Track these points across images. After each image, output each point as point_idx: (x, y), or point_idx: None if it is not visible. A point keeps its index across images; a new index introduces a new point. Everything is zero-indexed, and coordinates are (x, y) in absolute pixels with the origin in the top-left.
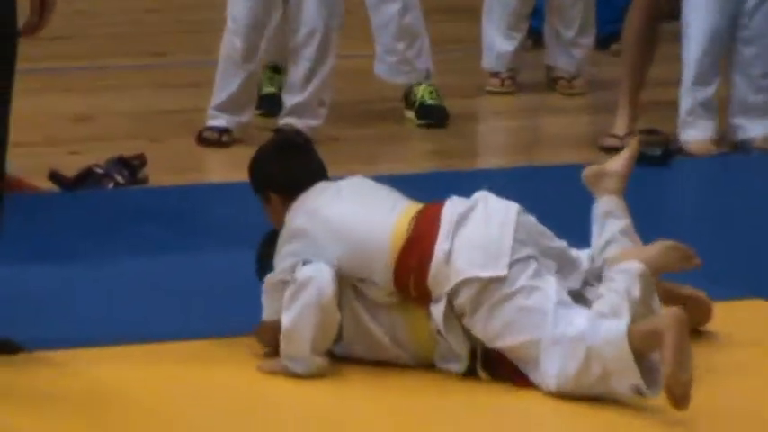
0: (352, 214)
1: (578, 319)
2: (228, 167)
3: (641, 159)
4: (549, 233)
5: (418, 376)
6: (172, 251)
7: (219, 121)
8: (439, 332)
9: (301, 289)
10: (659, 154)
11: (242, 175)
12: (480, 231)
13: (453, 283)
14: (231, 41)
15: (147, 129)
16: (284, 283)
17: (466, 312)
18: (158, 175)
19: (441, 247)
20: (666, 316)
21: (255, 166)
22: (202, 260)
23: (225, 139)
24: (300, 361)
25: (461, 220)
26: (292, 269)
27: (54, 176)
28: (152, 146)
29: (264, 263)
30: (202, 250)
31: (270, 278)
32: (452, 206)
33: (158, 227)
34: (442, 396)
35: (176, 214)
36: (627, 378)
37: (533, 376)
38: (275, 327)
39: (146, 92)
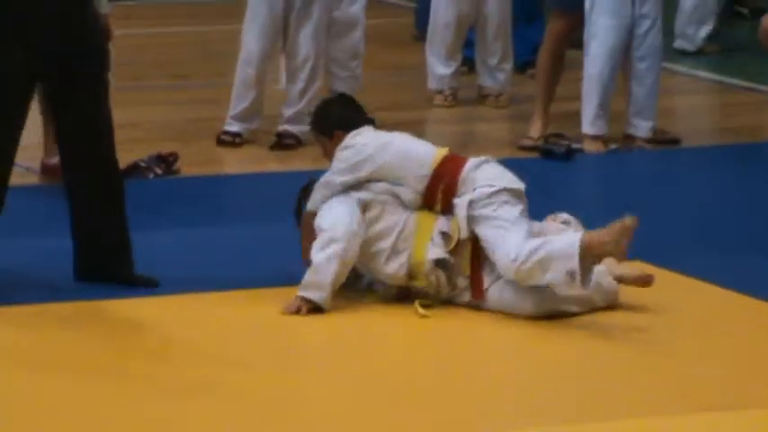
0: (403, 138)
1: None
2: (241, 162)
3: (550, 155)
4: None
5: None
6: (200, 225)
7: (234, 127)
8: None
9: (332, 243)
10: (564, 151)
11: (251, 168)
12: (499, 168)
13: (480, 184)
14: (244, 69)
15: (178, 133)
16: (330, 186)
17: (478, 206)
18: (187, 168)
19: (469, 165)
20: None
21: (324, 111)
22: (225, 232)
23: (237, 141)
24: (318, 291)
25: (480, 162)
26: (339, 186)
27: None
28: (182, 146)
29: (302, 204)
30: (224, 225)
31: (323, 177)
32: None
33: (189, 207)
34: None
35: (202, 197)
36: (565, 263)
37: (495, 257)
38: (311, 216)
39: (176, 106)
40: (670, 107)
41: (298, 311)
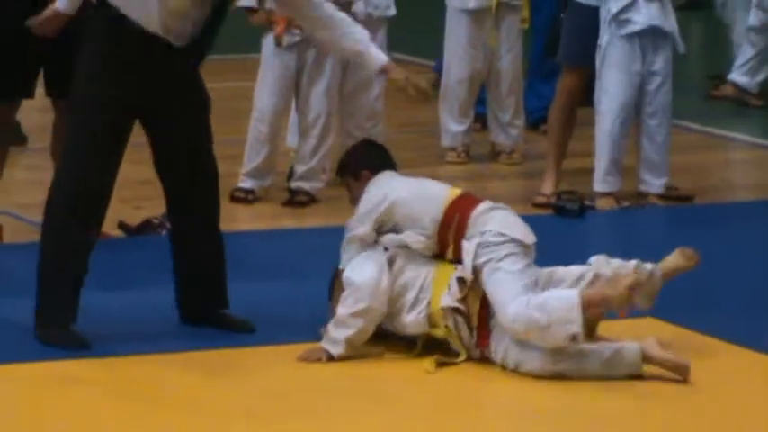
0: (419, 182)
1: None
2: (253, 219)
3: (562, 212)
4: None
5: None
6: None
7: (247, 184)
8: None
9: (358, 301)
10: (577, 208)
11: (263, 225)
12: (513, 217)
13: (490, 228)
14: (257, 127)
15: None
16: (354, 241)
17: (484, 252)
18: None
19: (481, 207)
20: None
21: (354, 154)
22: (238, 287)
23: (251, 198)
24: (338, 345)
25: (494, 207)
26: (362, 237)
27: (122, 226)
28: None
29: (332, 289)
30: (238, 281)
31: (347, 236)
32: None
33: None
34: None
35: None
36: (566, 327)
37: (496, 312)
38: (341, 273)
39: None
40: (684, 163)
41: (317, 361)
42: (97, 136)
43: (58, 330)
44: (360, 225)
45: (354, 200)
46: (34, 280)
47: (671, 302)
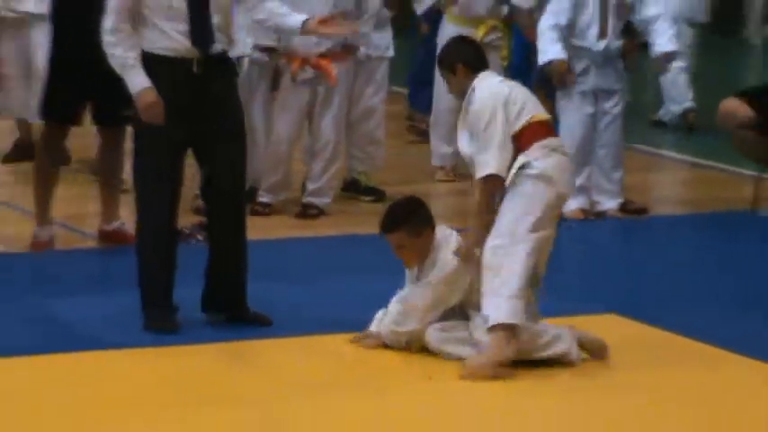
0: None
1: None
2: (270, 229)
3: None
4: None
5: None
6: None
7: (265, 198)
8: None
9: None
10: None
11: (278, 234)
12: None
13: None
14: (275, 148)
15: None
16: (500, 144)
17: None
18: None
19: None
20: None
21: (449, 48)
22: (257, 286)
23: (267, 211)
24: (409, 332)
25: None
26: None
27: None
28: None
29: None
30: (256, 279)
31: (488, 143)
32: None
33: None
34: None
35: None
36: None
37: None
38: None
39: None
40: (637, 182)
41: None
42: (159, 178)
43: (160, 318)
44: (497, 129)
45: (453, 90)
46: (81, 281)
47: (632, 300)
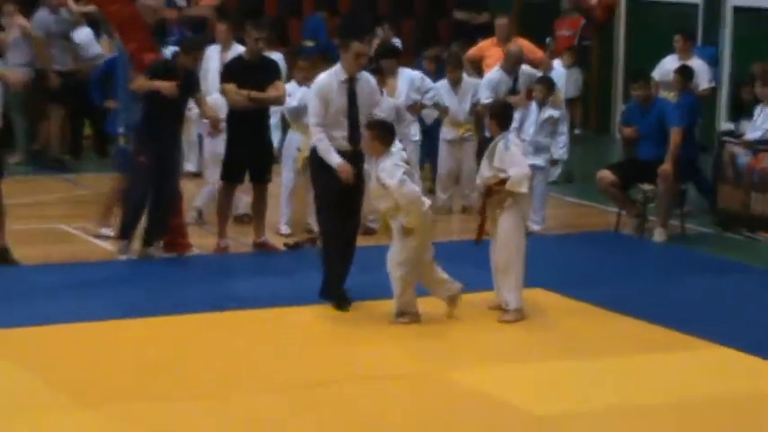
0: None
1: None
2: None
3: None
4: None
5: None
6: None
7: (283, 229)
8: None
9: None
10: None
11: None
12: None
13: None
14: (288, 187)
15: None
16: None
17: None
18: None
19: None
20: None
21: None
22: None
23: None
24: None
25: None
26: None
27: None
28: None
29: None
30: (275, 293)
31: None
32: None
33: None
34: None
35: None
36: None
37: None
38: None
39: None
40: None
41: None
42: (332, 217)
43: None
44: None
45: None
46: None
47: (557, 278)
